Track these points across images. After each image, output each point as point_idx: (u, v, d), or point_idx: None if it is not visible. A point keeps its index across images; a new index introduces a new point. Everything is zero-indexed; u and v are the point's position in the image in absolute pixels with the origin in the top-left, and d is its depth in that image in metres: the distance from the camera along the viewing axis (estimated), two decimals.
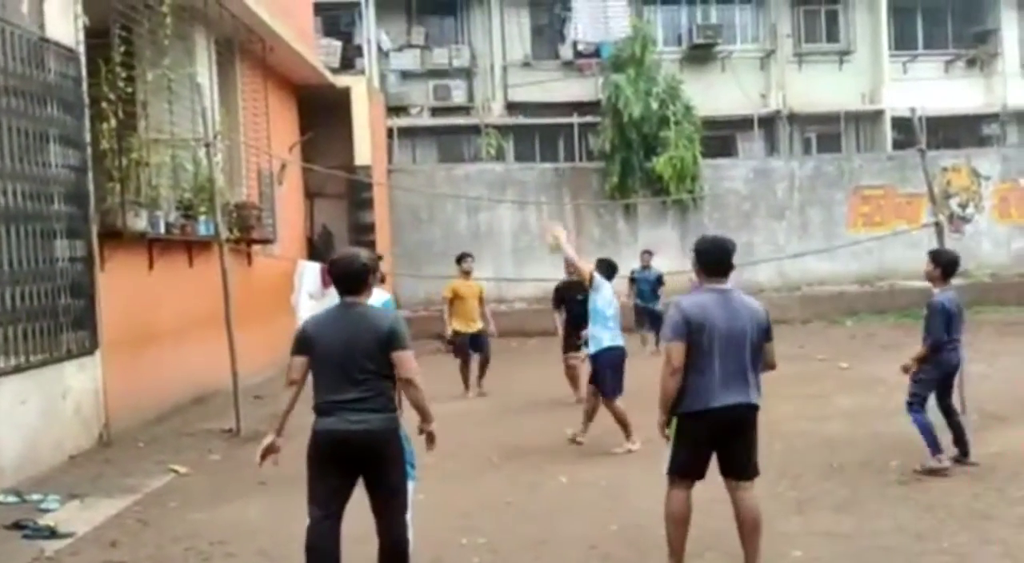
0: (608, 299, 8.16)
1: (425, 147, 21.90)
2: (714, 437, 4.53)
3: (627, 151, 19.30)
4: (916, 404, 6.71)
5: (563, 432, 8.56)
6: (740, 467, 4.59)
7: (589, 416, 8.18)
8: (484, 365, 11.19)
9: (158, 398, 9.69)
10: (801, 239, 20.13)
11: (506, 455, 7.79)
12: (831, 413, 8.83)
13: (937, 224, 9.28)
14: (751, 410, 4.57)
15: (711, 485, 4.71)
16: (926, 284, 18.65)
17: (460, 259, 11.44)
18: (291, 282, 12.08)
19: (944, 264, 6.96)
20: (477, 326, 11.18)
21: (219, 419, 9.33)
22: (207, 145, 9.39)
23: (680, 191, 18.97)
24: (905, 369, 6.87)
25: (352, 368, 4.36)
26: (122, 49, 8.94)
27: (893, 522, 5.56)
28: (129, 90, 9.01)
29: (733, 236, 18.96)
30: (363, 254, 4.66)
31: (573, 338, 9.83)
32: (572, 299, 9.88)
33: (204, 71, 11.38)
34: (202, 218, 10.39)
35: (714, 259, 4.71)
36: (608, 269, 8.50)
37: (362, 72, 18.85)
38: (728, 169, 20.61)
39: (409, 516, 4.55)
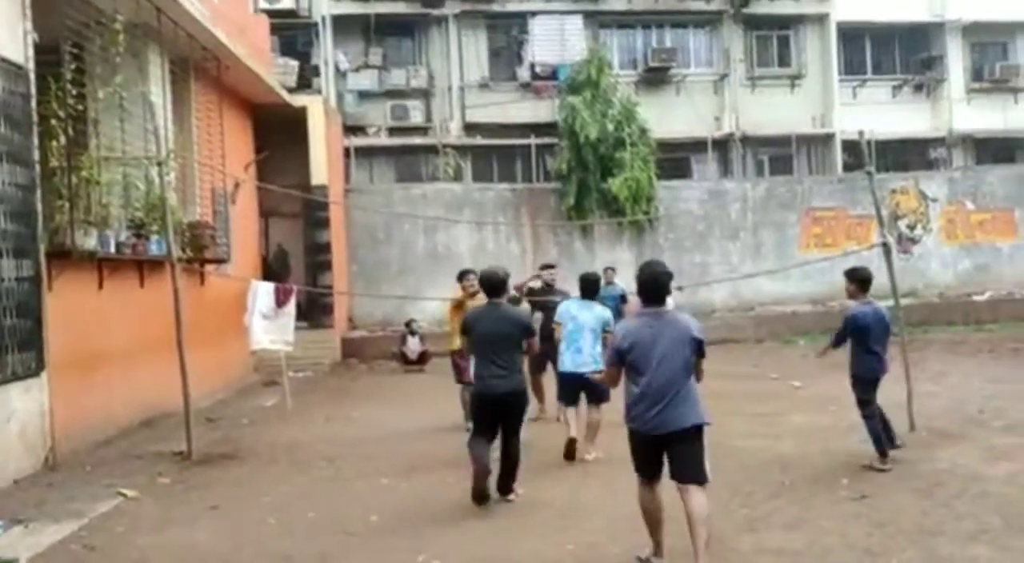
0: (563, 320, 8.30)
1: (382, 167, 21.87)
2: (657, 449, 5.05)
3: (583, 172, 19.46)
4: (868, 413, 7.49)
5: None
6: (685, 472, 5.00)
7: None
8: None
9: (106, 421, 9.51)
10: (755, 260, 20.44)
11: (460, 474, 7.72)
12: (783, 431, 8.93)
13: (885, 245, 9.46)
14: (687, 428, 4.98)
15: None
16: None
17: (462, 276, 9.82)
18: (244, 302, 11.95)
19: (858, 280, 7.70)
20: None
21: (170, 442, 9.16)
22: (159, 163, 9.27)
23: (636, 212, 19.16)
24: (820, 352, 8.11)
25: (498, 347, 6.70)
26: (73, 66, 8.82)
27: (843, 539, 5.61)
28: (80, 108, 8.88)
29: (688, 256, 19.31)
30: (500, 270, 7.09)
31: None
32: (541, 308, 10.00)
33: (157, 89, 11.27)
34: (154, 237, 10.25)
35: (650, 289, 5.18)
36: (582, 288, 8.46)
37: (319, 92, 18.83)
38: (683, 190, 20.89)
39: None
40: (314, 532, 6.19)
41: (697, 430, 5.00)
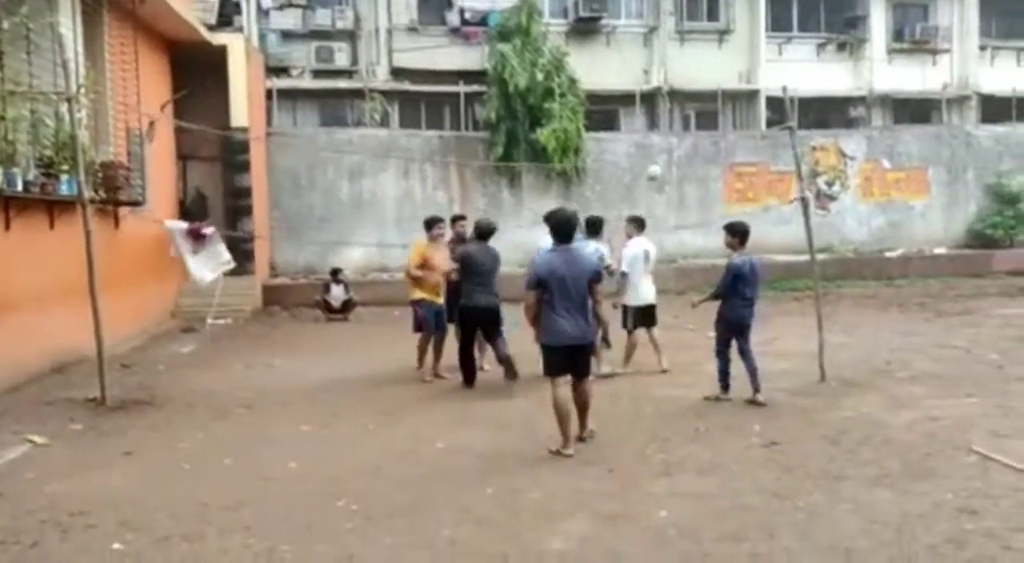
0: None
1: (306, 111, 21.35)
2: (564, 356, 6.58)
3: (512, 121, 19.34)
4: (721, 352, 8.39)
5: (441, 399, 8.62)
6: (580, 370, 6.70)
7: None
8: (440, 344, 9.73)
9: (15, 367, 9.19)
10: (679, 213, 20.70)
11: (383, 422, 7.75)
12: (699, 380, 9.11)
13: (803, 199, 9.64)
14: (587, 343, 6.70)
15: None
16: (793, 258, 19.45)
17: (431, 224, 9.78)
18: (162, 247, 11.64)
19: (739, 233, 8.34)
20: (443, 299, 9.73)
21: (82, 388, 8.92)
22: (69, 99, 8.86)
23: (563, 163, 19.15)
24: (693, 304, 8.85)
25: (485, 274, 9.08)
26: None
27: (754, 483, 5.80)
28: None
29: (614, 209, 19.43)
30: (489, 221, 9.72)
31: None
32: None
33: (67, 21, 10.73)
34: (64, 177, 9.84)
35: (560, 230, 6.66)
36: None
37: (240, 30, 18.18)
38: (610, 143, 20.93)
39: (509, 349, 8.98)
40: (231, 478, 6.12)
41: (591, 343, 6.88)
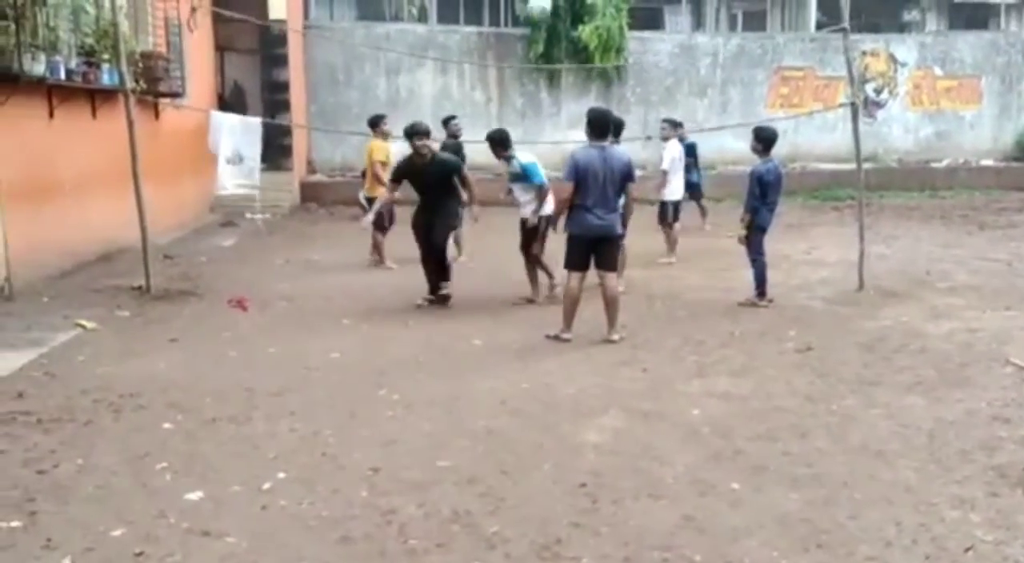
0: None
1: (343, 4, 20.98)
2: (589, 247, 6.91)
3: (554, 18, 18.86)
4: (756, 259, 8.35)
5: (479, 300, 8.72)
6: (605, 264, 7.02)
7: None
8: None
9: (62, 253, 9.40)
10: (720, 118, 20.25)
11: (421, 318, 7.88)
12: (735, 285, 9.11)
13: (853, 105, 9.40)
14: (613, 234, 6.97)
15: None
16: (836, 166, 19.10)
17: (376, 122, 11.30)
18: (202, 140, 11.66)
19: (764, 139, 8.32)
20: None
21: (127, 277, 9.12)
22: None
23: (605, 62, 18.74)
24: (740, 240, 8.41)
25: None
26: None
27: (787, 386, 5.85)
28: None
29: (654, 111, 19.13)
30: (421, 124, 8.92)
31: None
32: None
33: None
34: (106, 66, 9.84)
35: (597, 127, 6.87)
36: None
37: None
38: (654, 43, 20.40)
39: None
40: (275, 366, 6.29)
41: (619, 237, 7.16)
